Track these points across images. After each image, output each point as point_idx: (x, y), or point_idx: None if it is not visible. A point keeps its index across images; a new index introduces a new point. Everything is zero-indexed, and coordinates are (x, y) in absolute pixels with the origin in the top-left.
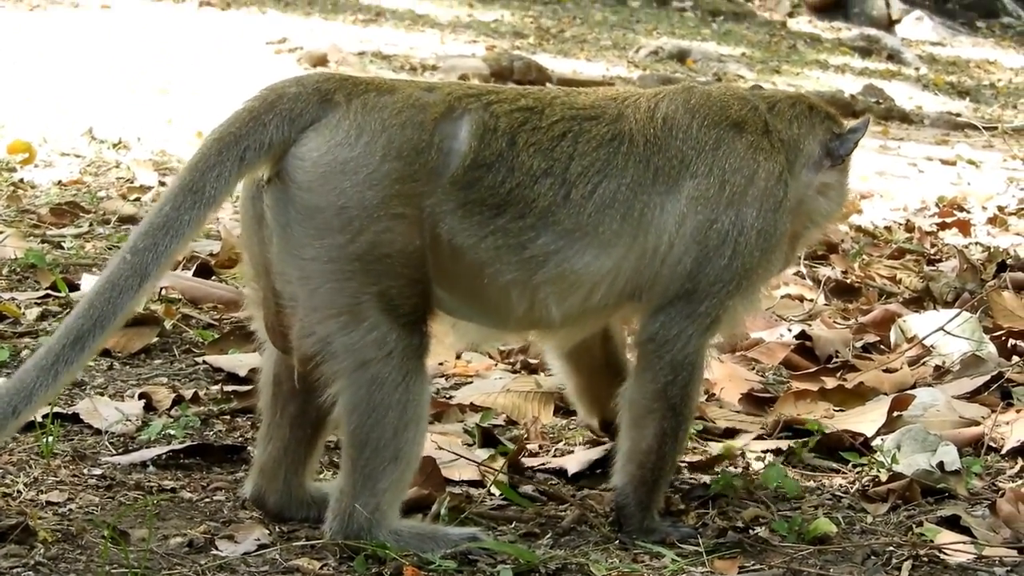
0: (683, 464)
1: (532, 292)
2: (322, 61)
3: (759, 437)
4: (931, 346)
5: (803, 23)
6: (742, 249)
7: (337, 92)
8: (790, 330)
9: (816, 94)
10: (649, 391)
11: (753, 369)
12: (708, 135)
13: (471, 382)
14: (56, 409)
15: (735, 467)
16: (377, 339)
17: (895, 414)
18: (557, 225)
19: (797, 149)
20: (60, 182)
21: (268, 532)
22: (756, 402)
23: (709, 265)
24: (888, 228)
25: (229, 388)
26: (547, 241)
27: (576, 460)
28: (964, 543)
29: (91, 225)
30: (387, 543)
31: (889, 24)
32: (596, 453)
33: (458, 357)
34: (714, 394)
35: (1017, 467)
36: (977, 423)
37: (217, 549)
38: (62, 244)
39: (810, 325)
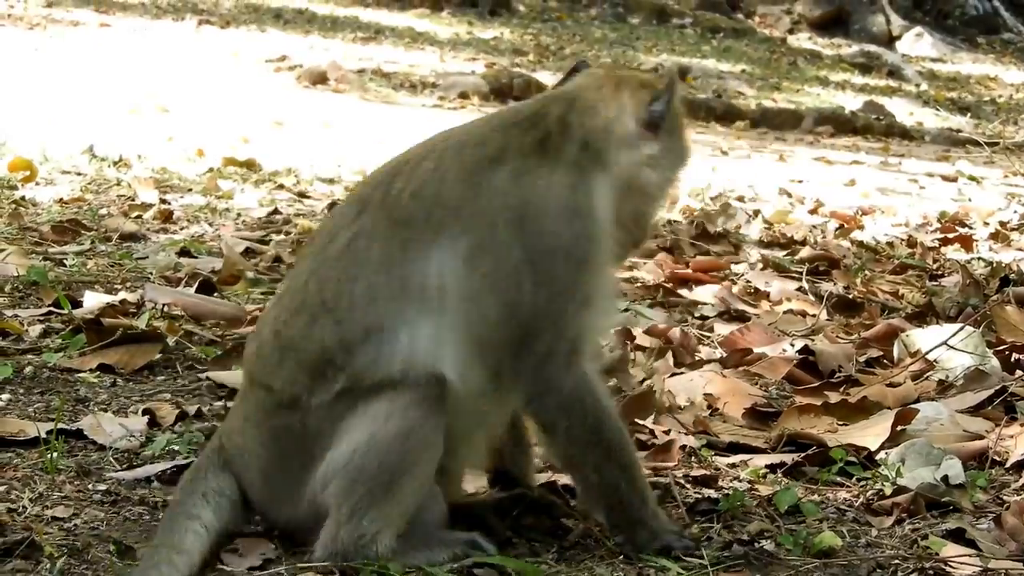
0: (688, 478)
1: None
2: (322, 79)
3: (763, 452)
4: (934, 361)
5: (803, 39)
6: (552, 272)
7: None
8: (793, 345)
9: (816, 110)
10: (559, 445)
11: (756, 384)
12: (456, 190)
13: None
14: (60, 425)
15: (740, 481)
16: None
17: (899, 428)
18: None
19: (607, 134)
20: (61, 199)
21: (274, 547)
22: (759, 416)
23: (520, 308)
24: (890, 244)
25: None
26: None
27: None
28: (970, 556)
29: (93, 242)
30: (383, 557)
31: (889, 40)
32: None
33: None
34: (717, 409)
35: (1022, 480)
36: (981, 437)
37: (222, 564)
38: (64, 261)
39: (813, 340)
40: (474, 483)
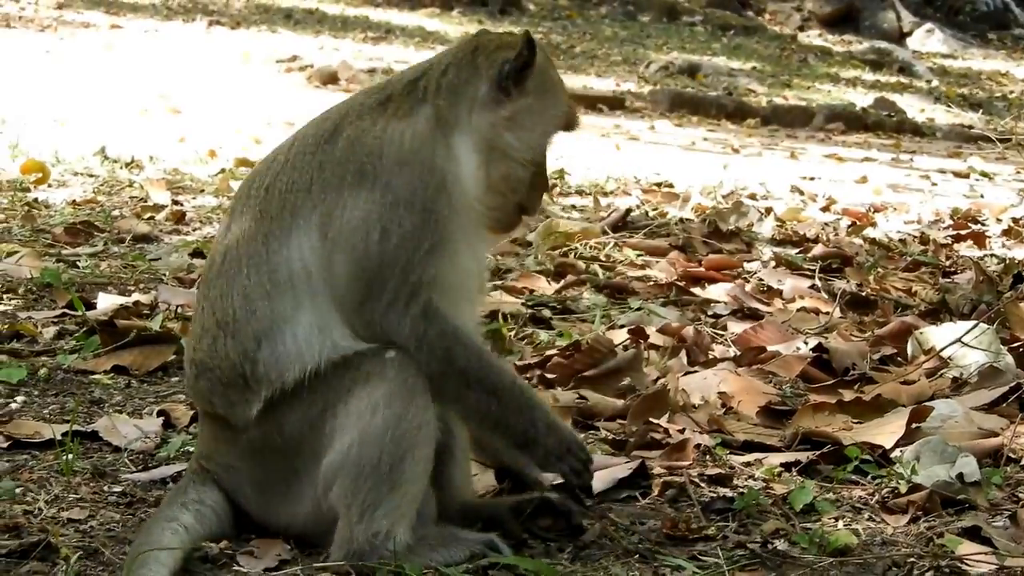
0: (703, 477)
1: None
2: (332, 79)
3: (778, 450)
4: (948, 358)
5: (814, 36)
6: (397, 220)
7: None
8: (806, 343)
9: (827, 107)
10: (435, 388)
11: (770, 382)
12: (305, 170)
13: None
14: (75, 427)
15: (755, 480)
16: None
17: (914, 426)
18: None
19: (455, 95)
20: (74, 201)
21: (289, 548)
22: (774, 415)
23: (368, 260)
24: (903, 241)
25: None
26: None
27: (601, 478)
28: (985, 554)
29: (105, 244)
30: (398, 555)
31: (900, 37)
32: (622, 471)
33: None
34: (731, 407)
35: None
36: (996, 434)
37: (238, 565)
38: (77, 263)
39: (826, 338)
40: (482, 482)
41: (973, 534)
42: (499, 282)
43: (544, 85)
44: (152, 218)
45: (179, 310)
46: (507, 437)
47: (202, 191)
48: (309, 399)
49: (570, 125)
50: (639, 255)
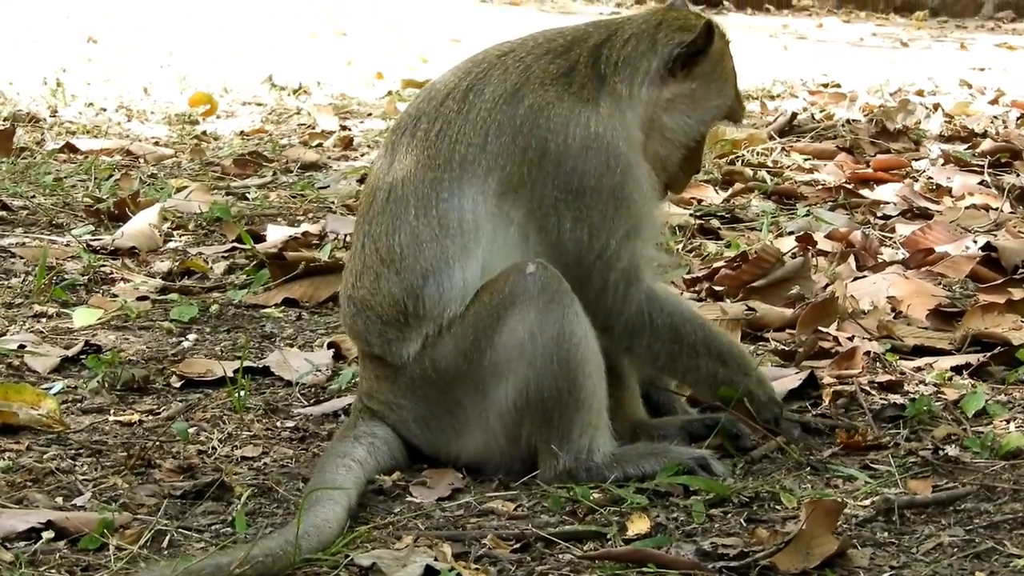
0: (873, 384)
1: None
2: None
3: (948, 353)
4: None
5: None
6: (587, 208)
7: None
8: (975, 242)
9: None
10: (648, 362)
11: (939, 284)
12: (479, 126)
13: None
14: (247, 364)
15: (925, 385)
16: None
17: None
18: None
19: (631, 69)
20: (242, 132)
21: (461, 476)
22: (943, 317)
23: (563, 245)
24: None
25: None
26: None
27: None
28: None
29: (274, 174)
30: (605, 467)
31: None
32: (792, 382)
33: None
34: (901, 312)
35: None
36: None
37: (412, 496)
38: (246, 195)
39: (995, 235)
40: None
41: None
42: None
43: (712, 75)
44: (320, 145)
45: (347, 239)
46: (702, 383)
47: (369, 115)
48: (459, 329)
49: (732, 117)
50: (806, 159)
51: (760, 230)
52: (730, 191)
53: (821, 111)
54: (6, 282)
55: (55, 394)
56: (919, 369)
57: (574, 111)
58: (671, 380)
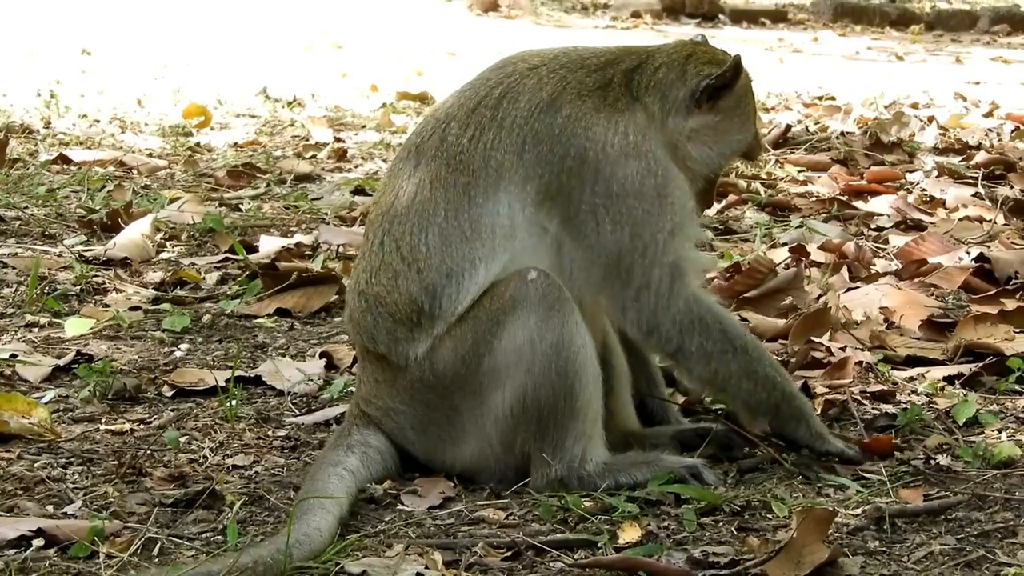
0: (864, 394)
1: None
2: (494, 5)
3: (940, 364)
4: None
5: None
6: (629, 209)
7: None
8: (968, 253)
9: (991, 9)
10: (699, 367)
11: (932, 295)
12: (515, 134)
13: None
14: (239, 373)
15: (917, 395)
16: None
17: None
18: None
19: (661, 96)
20: (236, 144)
21: (452, 485)
22: (936, 328)
23: (602, 248)
24: None
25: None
26: None
27: None
28: None
29: (268, 185)
30: (596, 476)
31: None
32: None
33: None
34: (893, 322)
35: None
36: None
37: (403, 504)
38: (240, 206)
39: (988, 247)
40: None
41: None
42: None
43: (736, 109)
44: (314, 157)
45: (340, 249)
46: (784, 407)
47: (364, 127)
48: (459, 333)
49: (750, 154)
50: (801, 171)
51: (753, 241)
52: (724, 203)
53: (815, 123)
54: None
55: (46, 403)
56: (911, 379)
57: (612, 120)
58: (716, 391)
